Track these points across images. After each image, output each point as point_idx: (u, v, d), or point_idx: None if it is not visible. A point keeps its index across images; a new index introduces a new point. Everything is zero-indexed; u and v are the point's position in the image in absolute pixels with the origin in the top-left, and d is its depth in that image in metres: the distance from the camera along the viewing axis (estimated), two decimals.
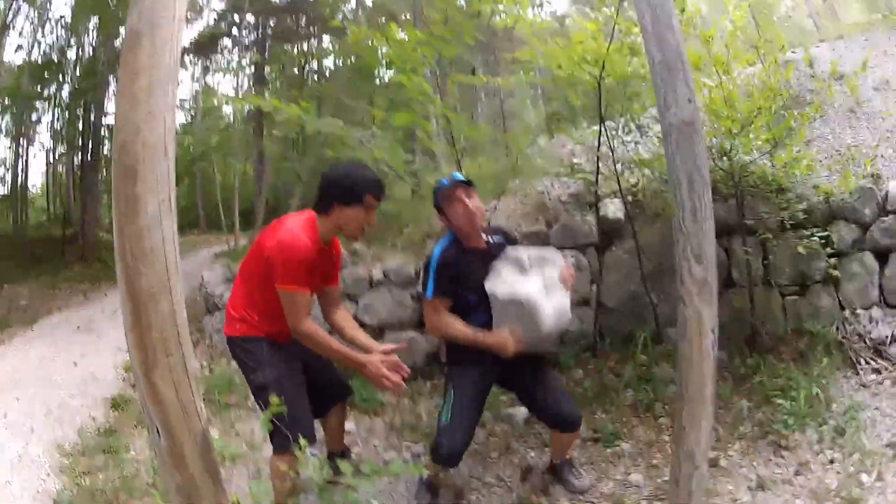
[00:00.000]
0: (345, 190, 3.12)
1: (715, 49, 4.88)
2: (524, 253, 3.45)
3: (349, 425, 4.99)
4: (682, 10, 4.85)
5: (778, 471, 3.83)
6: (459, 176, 3.61)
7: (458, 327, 3.42)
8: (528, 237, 5.79)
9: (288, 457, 2.89)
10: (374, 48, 6.00)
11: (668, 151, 2.68)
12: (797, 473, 3.77)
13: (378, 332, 5.90)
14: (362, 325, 5.85)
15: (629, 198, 5.59)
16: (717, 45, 4.89)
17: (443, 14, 6.05)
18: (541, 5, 17.84)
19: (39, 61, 18.01)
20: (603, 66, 4.99)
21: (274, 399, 2.39)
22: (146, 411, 1.67)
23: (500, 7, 5.90)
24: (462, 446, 3.40)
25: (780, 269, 5.23)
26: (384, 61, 6.18)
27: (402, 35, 5.74)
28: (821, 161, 5.62)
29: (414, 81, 5.54)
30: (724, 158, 5.01)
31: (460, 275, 3.46)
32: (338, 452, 3.86)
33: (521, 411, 4.69)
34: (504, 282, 3.34)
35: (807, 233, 4.97)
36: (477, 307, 3.45)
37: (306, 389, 3.39)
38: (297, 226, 3.09)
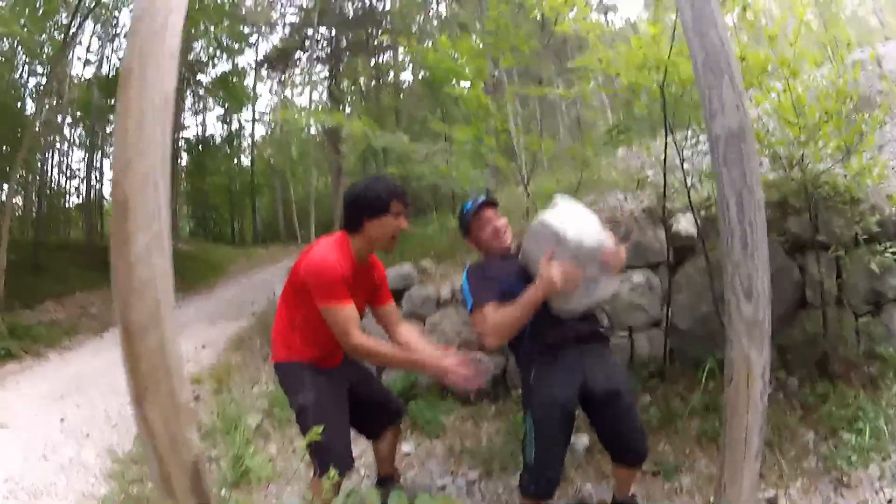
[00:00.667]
0: (370, 202, 3.14)
1: (780, 49, 4.52)
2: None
3: (408, 447, 4.93)
4: (745, 8, 4.57)
5: None
6: (482, 197, 3.53)
7: (507, 310, 3.10)
8: None
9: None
10: (437, 60, 5.85)
11: (715, 166, 2.42)
12: None
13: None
14: None
15: (701, 212, 5.28)
16: (782, 44, 4.56)
17: (495, 22, 5.91)
18: (607, 11, 17.44)
19: (109, 75, 18.63)
20: (665, 71, 4.68)
21: (315, 428, 2.39)
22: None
23: (568, 15, 5.61)
24: (554, 483, 3.24)
25: (854, 287, 4.81)
26: (435, 73, 6.06)
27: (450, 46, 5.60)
28: (893, 168, 5.23)
29: (471, 94, 5.40)
30: (796, 168, 4.66)
31: (496, 273, 3.30)
32: (388, 476, 3.80)
33: (582, 440, 4.47)
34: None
35: (880, 247, 4.55)
36: None
37: (358, 412, 3.39)
38: (325, 246, 3.10)
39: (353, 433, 3.41)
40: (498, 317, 3.11)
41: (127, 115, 1.67)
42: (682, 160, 5.11)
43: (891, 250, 4.44)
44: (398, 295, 6.01)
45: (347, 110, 21.07)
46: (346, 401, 3.32)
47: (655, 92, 4.82)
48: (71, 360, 9.45)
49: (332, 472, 2.31)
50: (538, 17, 6.16)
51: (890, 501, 3.46)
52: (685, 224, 5.35)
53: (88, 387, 7.55)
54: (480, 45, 5.68)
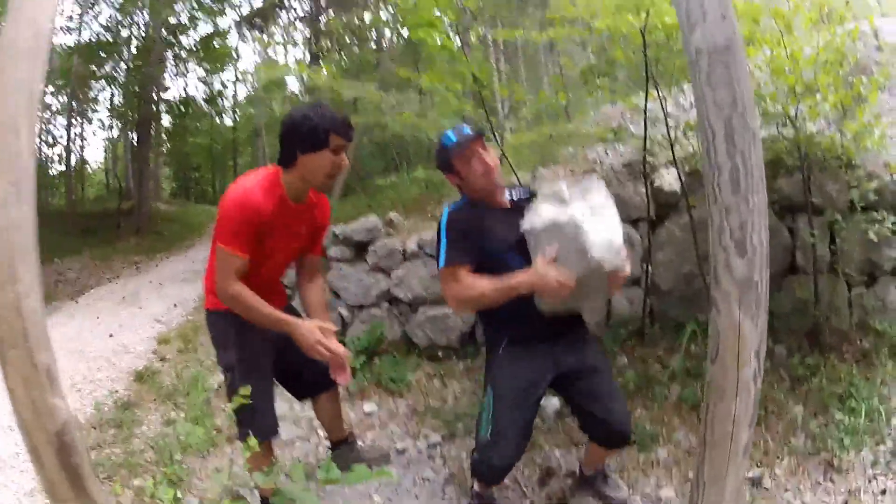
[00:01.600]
0: (306, 134, 2.69)
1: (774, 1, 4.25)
2: (562, 185, 2.81)
3: (370, 407, 4.78)
4: None
5: (826, 498, 3.29)
6: (467, 129, 2.97)
7: (483, 283, 2.73)
8: None
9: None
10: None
11: (695, 89, 1.98)
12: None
13: (411, 308, 5.63)
14: (395, 299, 5.66)
15: (686, 167, 5.04)
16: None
17: None
18: None
19: (91, 41, 18.40)
20: (647, 15, 4.31)
21: (243, 390, 2.22)
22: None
23: None
24: (508, 463, 2.92)
25: (848, 255, 4.62)
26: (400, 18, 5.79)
27: None
28: (891, 138, 4.99)
29: (432, 37, 5.07)
30: (788, 125, 4.40)
31: (483, 231, 2.86)
32: (342, 440, 3.59)
33: (553, 403, 4.26)
34: (540, 215, 2.75)
35: (878, 216, 4.33)
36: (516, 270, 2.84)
37: (289, 371, 3.21)
38: (251, 181, 2.75)
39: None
40: (469, 285, 2.78)
41: None
42: (666, 112, 4.87)
43: (891, 220, 4.24)
44: (363, 248, 5.87)
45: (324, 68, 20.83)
46: (270, 358, 3.08)
47: (636, 37, 4.51)
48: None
49: (251, 439, 2.10)
50: None
51: (884, 492, 3.24)
52: (668, 179, 5.15)
53: (57, 353, 7.31)
54: None
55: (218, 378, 5.29)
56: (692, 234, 4.76)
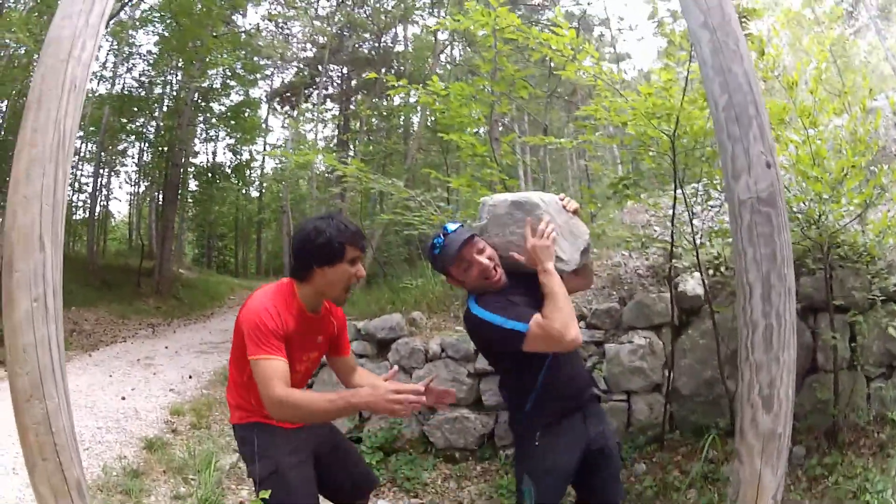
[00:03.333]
0: (320, 248, 2.68)
1: (798, 97, 4.25)
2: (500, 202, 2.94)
3: None
4: (762, 54, 4.36)
5: None
6: (451, 227, 2.90)
7: (561, 302, 2.63)
8: (598, 315, 5.39)
9: None
10: (430, 102, 5.63)
11: (736, 242, 1.96)
12: None
13: (429, 410, 5.55)
14: None
15: (710, 272, 5.07)
16: (801, 93, 4.30)
17: (490, 65, 5.68)
18: (619, 60, 17.39)
19: (123, 93, 18.73)
20: (677, 122, 4.39)
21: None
22: None
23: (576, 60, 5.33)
24: None
25: (868, 350, 4.61)
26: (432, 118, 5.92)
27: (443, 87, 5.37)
28: None
29: (466, 141, 5.20)
30: (814, 227, 4.41)
31: (515, 296, 2.80)
32: None
33: None
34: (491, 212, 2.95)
35: None
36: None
37: (325, 480, 3.06)
38: (264, 294, 2.76)
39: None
40: (560, 312, 2.59)
41: (18, 159, 1.50)
42: (692, 216, 4.91)
43: None
44: (385, 345, 5.88)
45: (352, 151, 21.17)
46: (310, 467, 2.97)
47: (665, 144, 4.59)
48: None
49: None
50: (548, 64, 5.97)
51: None
52: (692, 284, 5.16)
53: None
54: (473, 90, 5.43)
55: (231, 459, 5.25)
56: (715, 341, 4.74)
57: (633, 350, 5.10)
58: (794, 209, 4.39)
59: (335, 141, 20.89)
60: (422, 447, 5.42)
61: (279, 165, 29.77)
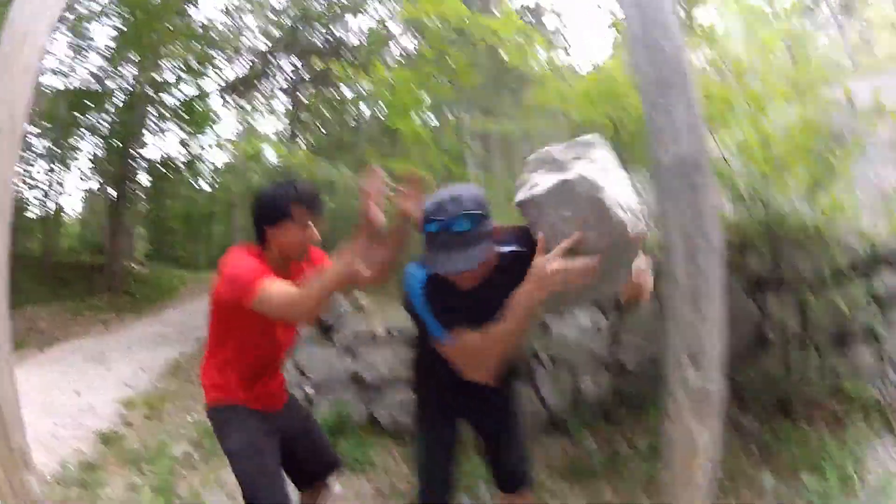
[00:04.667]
0: (269, 209, 2.71)
1: (747, 84, 4.43)
2: (552, 149, 2.21)
3: (338, 488, 4.74)
4: (711, 41, 4.49)
5: None
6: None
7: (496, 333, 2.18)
8: None
9: None
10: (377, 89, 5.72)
11: (660, 203, 1.98)
12: None
13: (377, 390, 5.63)
14: (361, 380, 5.66)
15: (656, 253, 5.19)
16: (750, 81, 4.44)
17: (434, 51, 5.76)
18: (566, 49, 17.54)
19: (78, 88, 18.42)
20: (622, 107, 4.54)
21: None
22: None
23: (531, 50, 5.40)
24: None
25: (819, 325, 4.72)
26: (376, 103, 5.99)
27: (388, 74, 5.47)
28: (864, 204, 5.18)
29: (408, 125, 5.28)
30: (759, 204, 4.57)
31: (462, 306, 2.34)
32: None
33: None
34: (537, 184, 2.13)
35: (853, 283, 4.54)
36: None
37: (292, 461, 3.08)
38: (233, 254, 2.70)
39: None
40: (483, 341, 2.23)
41: None
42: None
43: (861, 285, 4.39)
44: (330, 327, 5.93)
45: (303, 143, 21.09)
46: (277, 448, 2.98)
47: (609, 128, 4.71)
48: None
49: None
50: (497, 54, 6.05)
51: None
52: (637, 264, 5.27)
53: (25, 404, 7.22)
54: (415, 75, 5.51)
55: (183, 447, 5.31)
56: (662, 319, 4.88)
57: (581, 329, 5.21)
58: (741, 190, 4.52)
59: (288, 133, 20.72)
60: (370, 428, 5.45)
61: (231, 160, 29.57)
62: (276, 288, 2.46)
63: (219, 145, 24.72)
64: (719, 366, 1.90)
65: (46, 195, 19.79)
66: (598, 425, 5.02)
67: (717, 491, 1.88)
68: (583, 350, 5.21)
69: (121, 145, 19.35)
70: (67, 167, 20.39)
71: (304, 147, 18.61)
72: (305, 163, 6.05)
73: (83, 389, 7.82)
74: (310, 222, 2.74)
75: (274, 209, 2.70)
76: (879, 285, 4.88)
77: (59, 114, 17.90)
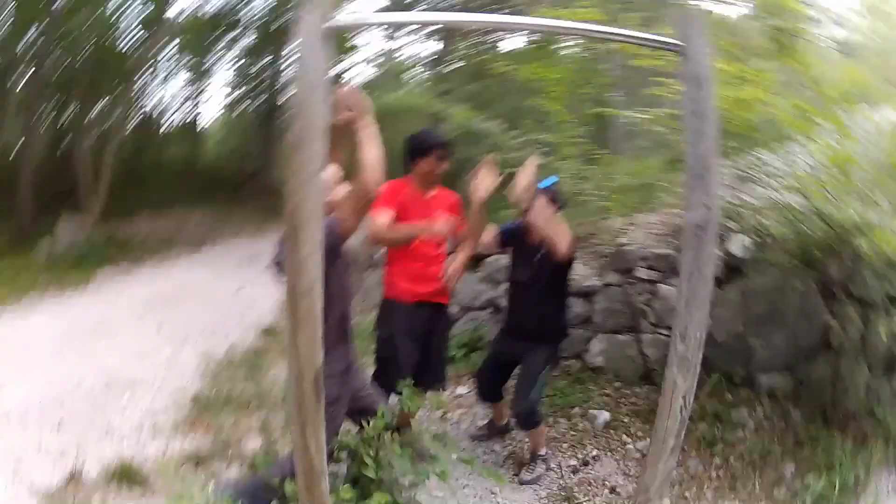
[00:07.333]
0: (417, 146, 3.89)
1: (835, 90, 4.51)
2: None
3: (463, 389, 5.49)
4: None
5: None
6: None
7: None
8: (656, 259, 5.74)
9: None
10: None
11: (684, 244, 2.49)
12: None
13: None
14: (497, 306, 6.27)
15: (754, 238, 5.30)
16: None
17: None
18: None
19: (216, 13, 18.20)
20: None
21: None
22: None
23: None
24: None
25: (875, 345, 4.56)
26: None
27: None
28: None
29: (557, 109, 6.26)
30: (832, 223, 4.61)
31: None
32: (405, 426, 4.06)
33: (603, 415, 5.00)
34: None
35: None
36: None
37: (419, 364, 3.97)
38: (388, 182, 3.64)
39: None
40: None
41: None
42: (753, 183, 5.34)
43: None
44: (480, 258, 6.36)
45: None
46: (413, 342, 3.93)
47: None
48: (169, 272, 9.81)
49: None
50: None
51: None
52: (735, 247, 5.40)
53: (186, 298, 8.05)
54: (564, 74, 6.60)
55: None
56: (747, 299, 5.21)
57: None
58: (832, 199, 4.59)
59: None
60: None
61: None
62: (376, 217, 3.66)
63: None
64: (699, 344, 2.45)
65: (192, 106, 20.51)
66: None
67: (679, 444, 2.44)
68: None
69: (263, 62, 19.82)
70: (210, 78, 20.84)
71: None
72: (463, 116, 6.84)
73: (242, 287, 8.55)
74: (441, 160, 3.92)
75: (419, 147, 3.92)
76: None
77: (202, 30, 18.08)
